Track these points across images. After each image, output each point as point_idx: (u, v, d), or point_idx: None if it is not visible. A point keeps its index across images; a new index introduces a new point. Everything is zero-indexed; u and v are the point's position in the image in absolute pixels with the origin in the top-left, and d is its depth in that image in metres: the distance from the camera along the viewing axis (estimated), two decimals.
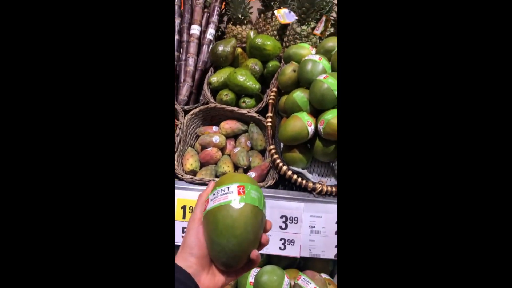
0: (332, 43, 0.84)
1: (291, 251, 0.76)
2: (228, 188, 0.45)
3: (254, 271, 0.81)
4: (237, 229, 0.41)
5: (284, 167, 0.75)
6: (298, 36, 1.00)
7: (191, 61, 1.05)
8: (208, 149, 0.90)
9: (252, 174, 0.84)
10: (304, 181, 0.75)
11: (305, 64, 0.78)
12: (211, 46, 1.07)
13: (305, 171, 0.77)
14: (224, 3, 1.15)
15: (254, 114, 0.92)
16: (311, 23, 1.00)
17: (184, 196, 0.77)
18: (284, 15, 1.04)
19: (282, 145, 0.84)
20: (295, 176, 0.75)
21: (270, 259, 0.92)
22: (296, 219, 0.75)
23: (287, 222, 0.76)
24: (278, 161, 0.76)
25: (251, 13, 1.16)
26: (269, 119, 0.83)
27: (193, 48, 1.07)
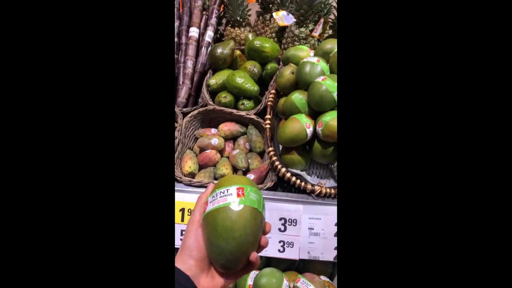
0: (330, 45, 0.84)
1: (290, 254, 0.75)
2: (227, 190, 0.44)
3: (253, 274, 0.80)
4: (236, 231, 0.41)
5: (283, 169, 0.75)
6: (296, 38, 1.01)
7: (189, 64, 1.05)
8: (206, 151, 0.90)
9: (250, 176, 0.83)
10: (303, 183, 0.75)
11: (303, 66, 0.78)
12: (209, 49, 1.07)
13: (303, 173, 0.77)
14: (222, 5, 1.16)
15: (253, 116, 0.92)
16: (310, 25, 1.00)
17: (183, 198, 0.76)
18: (283, 17, 1.05)
19: (280, 147, 0.83)
20: (293, 178, 0.75)
21: (269, 262, 0.92)
22: (295, 221, 0.75)
23: (286, 224, 0.75)
24: (277, 163, 0.76)
25: (249, 15, 1.16)
26: (268, 121, 0.83)
27: (191, 51, 1.07)
